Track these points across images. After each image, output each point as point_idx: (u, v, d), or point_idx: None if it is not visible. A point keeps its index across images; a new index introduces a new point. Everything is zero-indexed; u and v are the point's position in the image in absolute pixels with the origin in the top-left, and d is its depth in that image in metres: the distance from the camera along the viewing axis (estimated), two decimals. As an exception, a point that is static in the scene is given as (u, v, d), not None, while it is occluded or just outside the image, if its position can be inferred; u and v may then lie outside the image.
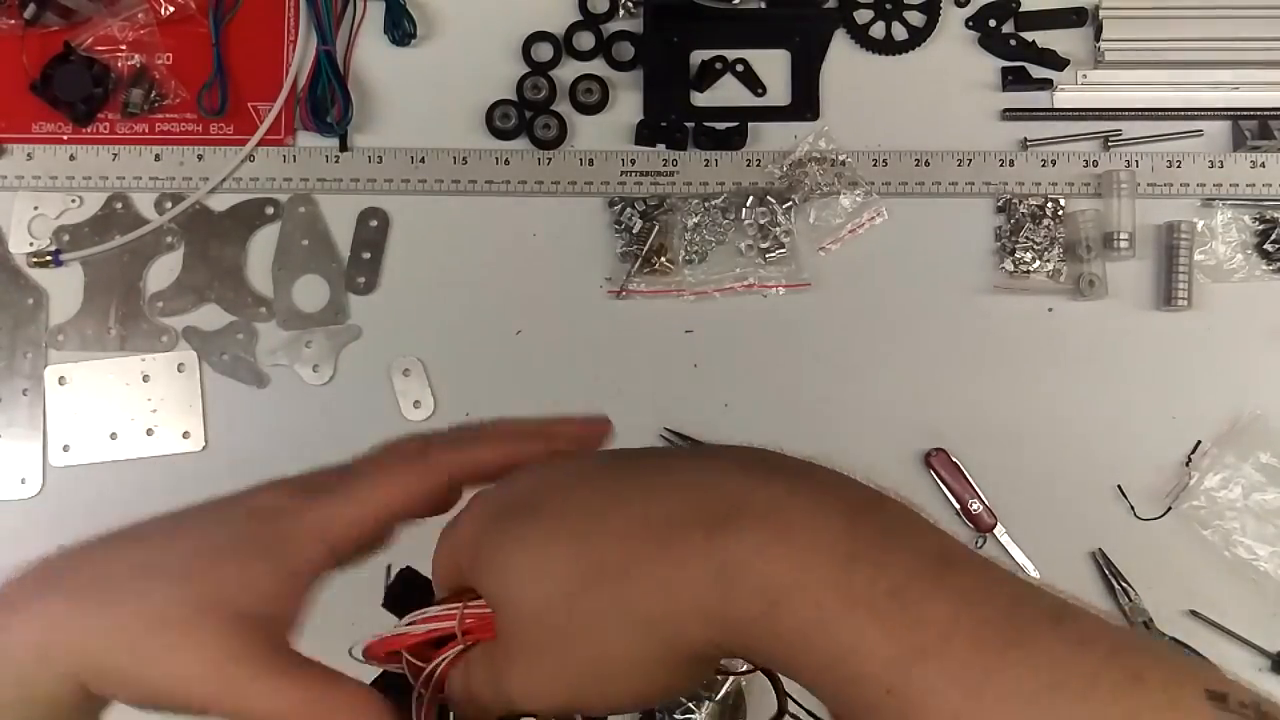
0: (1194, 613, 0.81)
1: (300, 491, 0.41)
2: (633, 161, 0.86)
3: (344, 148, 0.85)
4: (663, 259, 0.84)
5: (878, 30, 0.87)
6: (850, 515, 0.33)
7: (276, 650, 0.37)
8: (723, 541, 0.33)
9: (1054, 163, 0.86)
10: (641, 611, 0.33)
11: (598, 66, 0.87)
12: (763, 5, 0.88)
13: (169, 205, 0.85)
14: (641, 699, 0.36)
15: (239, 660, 0.36)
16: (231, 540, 0.38)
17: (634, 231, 0.84)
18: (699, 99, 0.87)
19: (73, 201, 0.85)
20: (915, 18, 0.87)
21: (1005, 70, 0.86)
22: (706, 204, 0.85)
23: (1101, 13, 0.86)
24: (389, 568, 0.45)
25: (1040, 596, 0.32)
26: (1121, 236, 0.83)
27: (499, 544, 0.36)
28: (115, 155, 0.85)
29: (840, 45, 0.87)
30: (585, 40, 0.87)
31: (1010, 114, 0.86)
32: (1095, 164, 0.85)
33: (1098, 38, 0.86)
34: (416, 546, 0.43)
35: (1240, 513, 0.82)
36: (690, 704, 0.78)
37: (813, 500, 0.34)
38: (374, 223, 0.85)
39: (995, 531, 0.82)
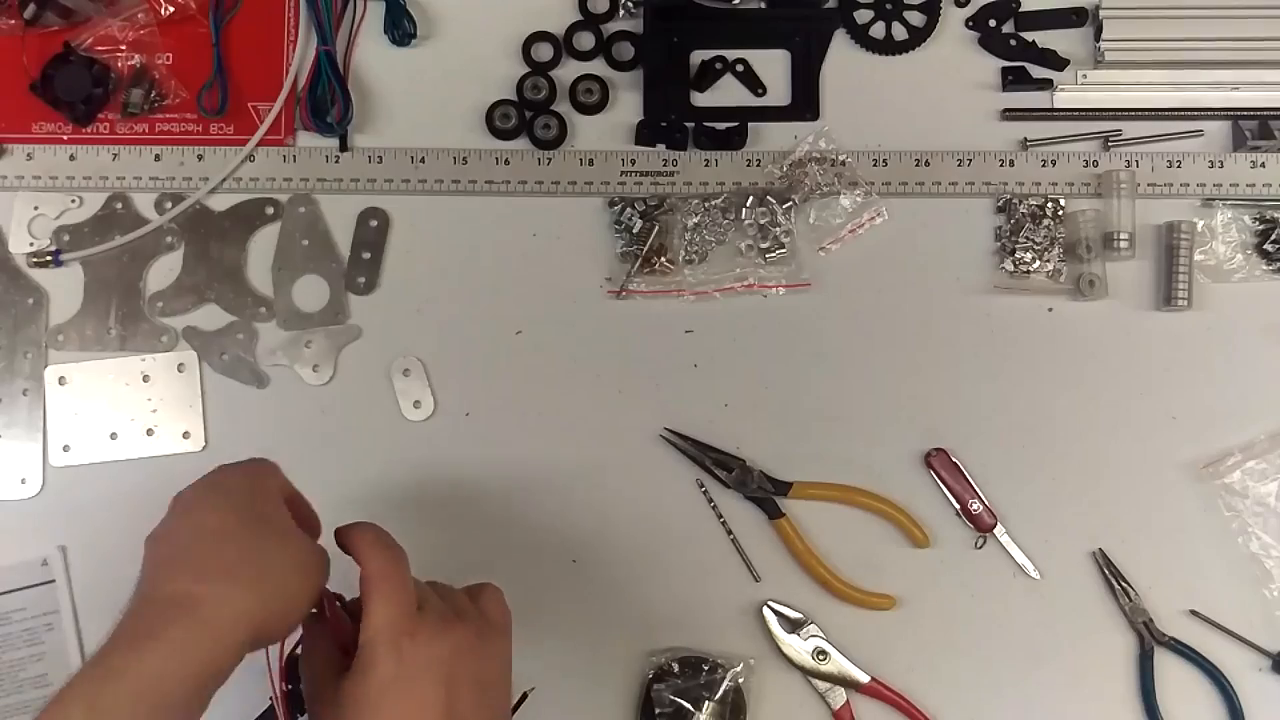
0: (1194, 613, 0.81)
1: None
2: (633, 161, 0.86)
3: (344, 148, 0.85)
4: (663, 259, 0.84)
5: (878, 30, 0.87)
6: None
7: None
8: None
9: (1054, 163, 0.86)
10: None
11: (598, 66, 0.87)
12: (763, 5, 0.88)
13: (169, 205, 0.85)
14: None
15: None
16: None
17: (634, 231, 0.84)
18: (699, 99, 0.87)
19: (73, 201, 0.85)
20: (915, 18, 0.87)
21: (1005, 70, 0.87)
22: (706, 204, 0.85)
23: (1101, 13, 0.86)
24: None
25: None
26: (1121, 236, 0.83)
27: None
28: (115, 155, 0.85)
29: (840, 45, 0.87)
30: (585, 40, 0.87)
31: (1010, 114, 0.86)
32: (1095, 164, 0.85)
33: (1098, 38, 0.86)
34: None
35: (1266, 510, 0.82)
36: (690, 704, 0.78)
37: None
38: (374, 223, 0.85)
39: (995, 531, 0.82)
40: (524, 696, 0.71)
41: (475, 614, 0.61)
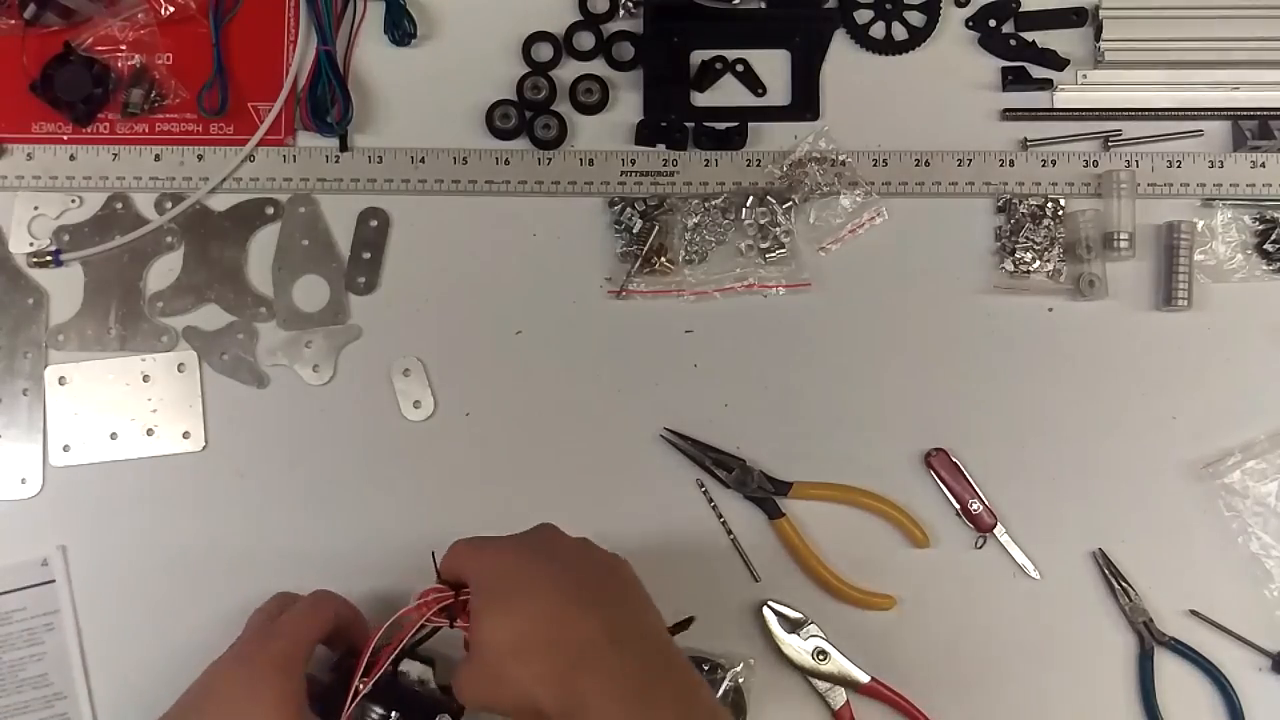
0: (1194, 612, 0.81)
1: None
2: (633, 161, 0.86)
3: (344, 148, 0.85)
4: (663, 259, 0.84)
5: (878, 30, 0.87)
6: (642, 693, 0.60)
7: None
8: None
9: (1054, 163, 0.86)
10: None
11: (598, 66, 0.87)
12: (763, 5, 0.88)
13: (169, 205, 0.85)
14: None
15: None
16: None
17: (634, 231, 0.84)
18: (699, 99, 0.87)
19: (73, 201, 0.85)
20: (915, 18, 0.87)
21: (1005, 70, 0.87)
22: (706, 204, 0.85)
23: (1101, 13, 0.86)
24: (434, 553, 0.68)
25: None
26: (1121, 236, 0.83)
27: (507, 594, 0.63)
28: (115, 155, 0.85)
29: (840, 45, 0.87)
30: (585, 40, 0.87)
31: (1010, 114, 0.86)
32: (1095, 164, 0.85)
33: (1098, 38, 0.86)
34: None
35: (1266, 510, 0.82)
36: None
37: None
38: (374, 223, 0.85)
39: (995, 531, 0.82)
40: (689, 620, 0.72)
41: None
